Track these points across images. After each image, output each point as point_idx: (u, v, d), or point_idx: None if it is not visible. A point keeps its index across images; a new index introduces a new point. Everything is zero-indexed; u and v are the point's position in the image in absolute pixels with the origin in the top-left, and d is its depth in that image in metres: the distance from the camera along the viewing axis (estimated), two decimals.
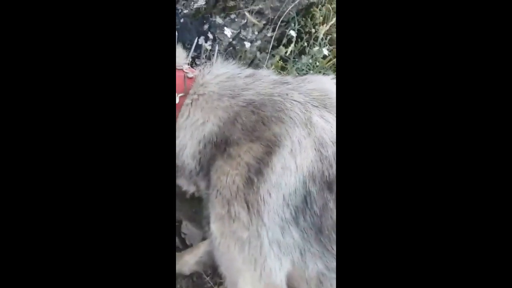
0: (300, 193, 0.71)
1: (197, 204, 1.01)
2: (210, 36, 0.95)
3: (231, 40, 0.96)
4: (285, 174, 0.71)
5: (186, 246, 0.99)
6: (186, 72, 0.77)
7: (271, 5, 0.99)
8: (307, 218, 0.72)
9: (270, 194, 0.70)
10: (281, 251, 0.73)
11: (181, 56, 0.80)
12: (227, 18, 0.97)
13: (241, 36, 0.98)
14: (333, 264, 0.74)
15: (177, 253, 0.94)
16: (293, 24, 1.03)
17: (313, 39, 1.04)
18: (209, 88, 0.74)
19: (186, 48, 0.89)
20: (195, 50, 0.93)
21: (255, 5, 0.97)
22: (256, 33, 1.03)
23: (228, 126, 0.72)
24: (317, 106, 0.73)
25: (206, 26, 0.95)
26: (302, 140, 0.71)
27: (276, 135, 0.71)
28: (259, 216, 0.70)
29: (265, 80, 0.76)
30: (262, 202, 0.70)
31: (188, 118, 0.74)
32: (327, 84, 0.78)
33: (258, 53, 1.01)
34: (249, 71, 0.80)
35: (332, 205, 0.71)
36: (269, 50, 1.03)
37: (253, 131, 0.72)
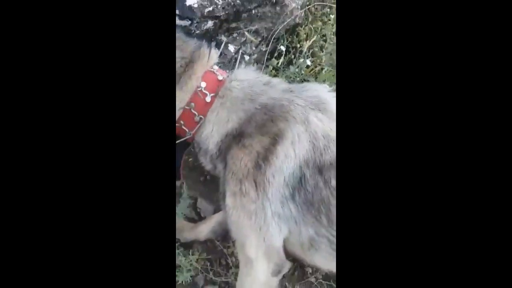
0: (297, 175, 0.84)
1: (209, 185, 1.20)
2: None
3: (233, 54, 1.18)
4: (286, 161, 0.83)
5: (201, 218, 1.17)
6: (217, 75, 0.88)
7: (265, 26, 1.19)
8: (301, 195, 0.84)
9: (274, 176, 0.83)
10: (280, 221, 0.85)
11: (213, 59, 0.90)
12: (230, 37, 1.17)
13: (241, 51, 1.17)
14: (321, 230, 0.85)
15: (194, 224, 1.13)
16: (282, 41, 1.23)
17: (298, 52, 1.24)
18: (234, 93, 0.85)
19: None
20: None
21: (253, 26, 1.18)
22: (254, 48, 1.22)
23: (245, 123, 0.85)
24: (313, 109, 0.85)
25: (213, 43, 1.16)
26: (300, 134, 0.83)
27: (281, 130, 0.83)
28: (265, 193, 0.83)
29: (277, 87, 0.88)
30: (268, 182, 0.83)
31: (217, 115, 0.86)
32: (322, 91, 0.91)
33: (255, 64, 1.23)
34: (266, 79, 0.92)
35: (321, 184, 0.83)
36: (264, 62, 1.23)
37: (263, 127, 0.84)
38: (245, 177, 0.84)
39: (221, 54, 1.16)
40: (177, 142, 0.91)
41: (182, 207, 1.07)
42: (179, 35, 0.92)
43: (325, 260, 0.88)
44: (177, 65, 0.86)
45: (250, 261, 0.87)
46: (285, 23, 1.21)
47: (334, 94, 0.88)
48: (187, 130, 0.88)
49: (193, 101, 0.85)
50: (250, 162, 0.83)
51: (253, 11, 1.16)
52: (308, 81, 1.20)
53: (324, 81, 1.20)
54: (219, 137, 0.87)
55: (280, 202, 0.84)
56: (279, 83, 0.91)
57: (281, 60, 1.17)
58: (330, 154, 0.84)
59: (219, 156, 0.89)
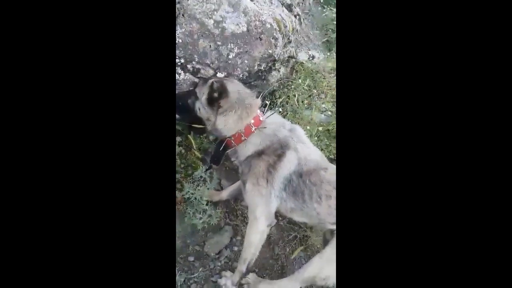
0: (288, 178, 1.36)
1: (228, 172, 1.91)
2: None
3: None
4: (284, 170, 1.35)
5: (221, 189, 1.90)
6: (259, 116, 1.42)
7: (258, 90, 1.97)
8: (289, 188, 1.37)
9: (277, 177, 1.35)
10: (276, 200, 1.39)
11: (258, 105, 1.45)
12: None
13: None
14: (297, 205, 1.37)
15: (219, 192, 1.83)
16: (267, 98, 2.09)
17: (275, 105, 2.11)
18: (265, 131, 1.39)
19: None
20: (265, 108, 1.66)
21: (251, 89, 2.05)
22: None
23: (267, 148, 1.36)
24: (298, 142, 1.40)
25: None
26: (293, 156, 1.35)
27: (284, 152, 1.35)
28: (272, 186, 1.36)
29: (286, 128, 1.42)
30: (273, 180, 1.35)
31: (256, 140, 1.38)
32: (303, 134, 1.46)
33: None
34: (281, 121, 1.47)
35: (301, 183, 1.33)
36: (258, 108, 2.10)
37: (275, 150, 1.36)
38: (261, 175, 1.35)
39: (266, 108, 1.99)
40: (228, 151, 1.47)
41: (213, 184, 1.84)
42: (240, 84, 1.51)
43: (298, 217, 1.46)
44: (236, 105, 1.38)
45: (256, 219, 1.39)
46: (268, 89, 2.04)
47: (306, 137, 1.49)
48: (234, 144, 1.42)
49: (245, 130, 1.39)
50: (265, 168, 1.35)
51: (252, 83, 1.88)
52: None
53: (288, 119, 2.07)
54: (251, 152, 1.39)
55: (278, 191, 1.38)
56: (286, 124, 1.46)
57: (266, 108, 2.07)
58: (307, 166, 1.35)
59: (246, 162, 1.41)
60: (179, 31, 1.58)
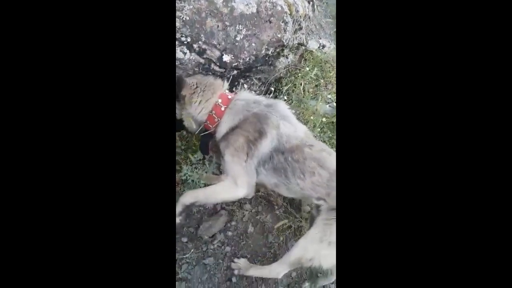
0: (268, 155, 1.35)
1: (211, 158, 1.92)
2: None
3: (247, 90, 2.01)
4: (264, 149, 1.34)
5: (220, 174, 1.88)
6: (228, 95, 1.42)
7: (264, 76, 1.93)
8: (269, 165, 1.36)
9: (256, 153, 1.33)
10: (256, 174, 1.38)
11: (225, 87, 1.47)
12: (245, 80, 1.91)
13: (252, 89, 1.97)
14: (280, 181, 1.36)
15: (217, 176, 1.83)
16: (272, 85, 2.05)
17: (280, 92, 2.05)
18: (237, 106, 1.38)
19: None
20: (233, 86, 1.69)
21: (257, 75, 1.91)
22: (257, 87, 1.95)
23: (242, 122, 1.34)
24: (282, 119, 1.37)
25: (236, 83, 1.98)
26: (274, 135, 1.32)
27: (264, 129, 1.32)
28: (250, 158, 1.35)
29: (262, 104, 1.39)
30: (252, 154, 1.34)
31: (228, 118, 1.36)
32: (287, 110, 1.44)
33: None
34: (256, 98, 1.43)
35: (282, 160, 1.32)
36: (263, 94, 1.96)
37: (253, 124, 1.32)
38: (240, 148, 1.34)
39: (239, 88, 1.90)
40: (205, 133, 1.43)
41: (211, 168, 1.84)
42: (200, 74, 1.46)
43: (284, 192, 1.45)
44: (197, 88, 1.36)
45: (237, 185, 1.34)
46: (275, 75, 1.95)
47: (292, 111, 1.48)
48: (211, 126, 1.41)
49: (214, 110, 1.38)
50: (244, 142, 1.34)
51: (259, 68, 1.83)
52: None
53: (292, 108, 2.03)
54: (226, 130, 1.37)
55: (258, 164, 1.37)
56: (263, 101, 1.42)
57: (271, 95, 2.01)
58: (290, 144, 1.32)
59: (224, 139, 1.38)
60: (186, 7, 1.53)
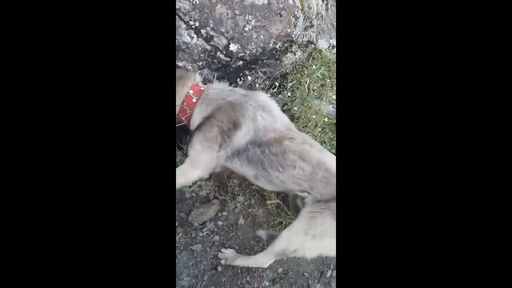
0: (243, 146, 1.28)
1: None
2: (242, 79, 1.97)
3: (250, 82, 1.96)
4: (239, 137, 1.27)
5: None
6: (200, 87, 1.35)
7: (270, 70, 1.91)
8: (244, 156, 1.29)
9: (229, 144, 1.27)
10: (231, 163, 1.34)
11: (197, 79, 1.40)
12: (251, 72, 1.88)
13: (256, 82, 1.96)
14: (258, 173, 1.30)
15: None
16: (277, 80, 2.02)
17: (284, 88, 2.03)
18: (210, 95, 1.31)
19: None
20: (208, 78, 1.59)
21: (263, 68, 1.89)
22: (261, 81, 1.91)
23: (216, 111, 1.26)
24: (260, 109, 1.27)
25: (240, 75, 1.94)
26: (250, 128, 1.24)
27: (239, 120, 1.24)
28: (225, 149, 1.29)
29: (238, 93, 1.32)
30: (227, 145, 1.28)
31: (201, 108, 1.31)
32: (267, 99, 1.35)
33: (261, 90, 2.00)
34: (231, 88, 1.38)
35: (258, 153, 1.26)
36: (267, 89, 1.94)
37: (227, 113, 1.24)
38: (213, 139, 1.29)
39: (243, 80, 1.91)
40: (177, 125, 1.37)
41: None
42: (181, 69, 1.39)
43: (265, 185, 1.39)
44: (177, 82, 1.31)
45: (193, 168, 1.31)
46: (280, 70, 1.92)
47: (274, 101, 1.38)
48: (183, 119, 1.35)
49: (185, 102, 1.33)
50: (218, 133, 1.28)
51: (265, 61, 1.81)
52: (287, 104, 2.00)
53: (295, 106, 2.00)
54: (199, 120, 1.32)
55: (232, 155, 1.32)
56: (240, 91, 1.35)
57: (275, 90, 1.99)
58: (267, 137, 1.25)
59: (198, 129, 1.33)
60: None
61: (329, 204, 1.20)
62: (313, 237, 1.22)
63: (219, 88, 1.39)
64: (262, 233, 1.59)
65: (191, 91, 1.36)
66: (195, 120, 1.36)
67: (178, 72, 1.38)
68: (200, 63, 1.65)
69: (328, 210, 1.19)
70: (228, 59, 1.66)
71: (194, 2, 1.53)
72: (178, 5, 1.48)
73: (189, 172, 1.33)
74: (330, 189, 1.21)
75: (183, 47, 1.58)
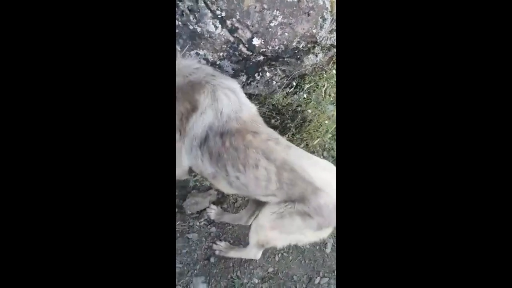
0: (203, 135, 1.07)
1: None
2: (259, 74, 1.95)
3: (268, 78, 1.93)
4: (196, 125, 1.07)
5: None
6: None
7: (289, 68, 1.89)
8: (205, 148, 1.07)
9: (189, 130, 1.06)
10: (190, 157, 1.13)
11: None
12: (270, 68, 1.86)
13: (274, 79, 1.91)
14: (217, 171, 1.10)
15: None
16: (295, 79, 1.99)
17: (301, 89, 2.00)
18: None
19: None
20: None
21: (282, 66, 1.86)
22: (279, 78, 1.91)
23: (176, 91, 1.04)
24: (224, 88, 1.06)
25: (259, 70, 1.91)
26: (207, 108, 1.05)
27: (197, 101, 1.04)
28: (183, 138, 1.08)
29: (204, 71, 1.11)
30: (185, 132, 1.07)
31: None
32: (237, 85, 1.15)
33: (277, 88, 1.98)
34: (198, 65, 1.14)
35: (219, 143, 1.04)
36: (283, 87, 1.93)
37: (186, 94, 1.05)
38: (176, 127, 1.08)
39: (261, 76, 1.87)
40: None
41: None
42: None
43: (224, 187, 1.20)
44: None
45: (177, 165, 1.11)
46: (300, 70, 1.92)
47: (241, 90, 1.17)
48: None
49: None
50: (177, 118, 1.07)
51: (286, 59, 1.80)
52: (301, 105, 1.97)
53: (309, 108, 1.97)
54: None
55: (190, 147, 1.11)
56: (207, 69, 1.14)
57: (291, 90, 1.95)
58: (230, 125, 1.05)
59: None
60: None
61: (296, 204, 1.08)
62: (280, 232, 1.16)
63: (185, 64, 1.15)
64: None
65: None
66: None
67: None
68: (221, 54, 1.63)
69: (297, 211, 1.08)
70: (250, 53, 1.65)
71: None
72: None
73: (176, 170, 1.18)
74: (296, 191, 1.07)
75: (206, 35, 1.56)
